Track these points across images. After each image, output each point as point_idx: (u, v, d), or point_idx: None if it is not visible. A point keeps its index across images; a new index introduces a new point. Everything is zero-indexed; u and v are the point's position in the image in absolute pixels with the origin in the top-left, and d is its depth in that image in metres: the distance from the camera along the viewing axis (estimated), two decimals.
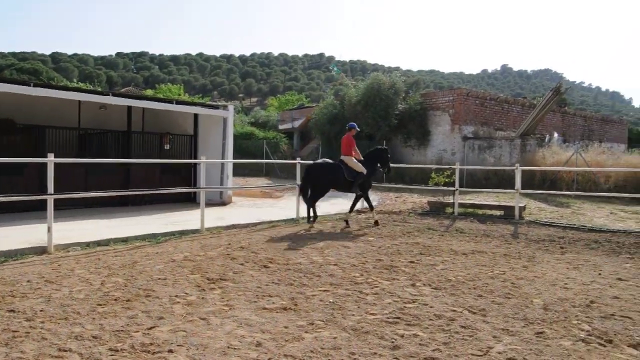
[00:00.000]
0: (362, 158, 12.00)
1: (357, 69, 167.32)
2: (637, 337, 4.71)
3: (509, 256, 8.51)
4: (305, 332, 4.65)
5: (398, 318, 5.08)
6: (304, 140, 35.39)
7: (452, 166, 14.36)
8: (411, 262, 7.82)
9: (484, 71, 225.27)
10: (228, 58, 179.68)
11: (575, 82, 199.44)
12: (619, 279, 7.05)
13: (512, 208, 13.03)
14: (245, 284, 6.30)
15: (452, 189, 13.89)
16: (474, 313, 5.31)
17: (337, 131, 27.47)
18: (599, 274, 7.33)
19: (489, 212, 13.74)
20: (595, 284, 6.71)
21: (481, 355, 4.18)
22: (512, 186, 13.30)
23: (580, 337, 4.66)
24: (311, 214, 11.88)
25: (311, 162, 12.77)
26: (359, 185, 11.82)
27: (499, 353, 4.24)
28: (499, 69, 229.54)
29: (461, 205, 14.06)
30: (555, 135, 25.59)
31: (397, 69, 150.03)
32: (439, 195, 16.45)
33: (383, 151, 12.40)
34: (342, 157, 11.77)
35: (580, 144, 25.54)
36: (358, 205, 15.05)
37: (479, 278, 6.85)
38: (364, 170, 11.66)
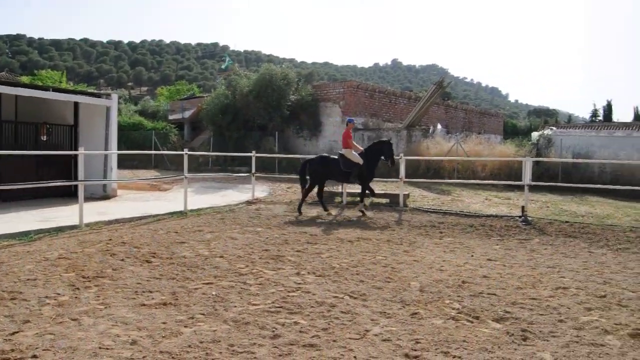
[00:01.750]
0: (361, 149, 12.76)
1: (251, 59, 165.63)
2: (500, 312, 5.07)
3: (392, 242, 8.84)
4: (185, 326, 4.52)
5: (280, 307, 5.09)
6: (195, 131, 34.55)
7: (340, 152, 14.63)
8: (298, 251, 7.89)
9: (376, 65, 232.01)
10: (116, 44, 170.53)
11: (459, 77, 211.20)
12: (489, 260, 7.58)
13: (397, 196, 13.57)
14: (125, 281, 6.02)
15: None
16: (355, 298, 5.45)
17: (229, 121, 27.10)
18: (472, 256, 7.83)
19: (375, 200, 14.18)
20: (468, 265, 7.16)
21: (358, 339, 4.30)
22: (398, 175, 13.83)
23: (451, 316, 4.94)
24: (325, 205, 12.70)
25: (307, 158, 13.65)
26: (358, 176, 12.41)
27: (375, 335, 4.38)
28: (389, 63, 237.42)
29: (350, 194, 14.41)
30: (439, 126, 26.98)
31: (292, 60, 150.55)
32: (330, 184, 16.73)
33: (386, 144, 12.73)
34: (341, 151, 12.64)
35: (461, 135, 27.08)
36: (247, 196, 14.96)
37: (362, 264, 7.05)
38: (360, 161, 12.25)
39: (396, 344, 4.19)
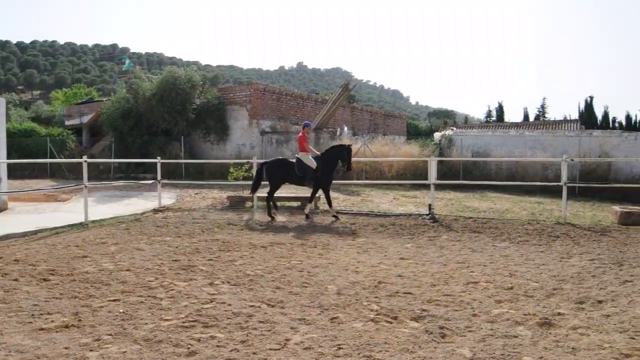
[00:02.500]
0: (318, 153, 12.56)
1: (153, 62, 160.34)
2: (417, 311, 5.12)
3: (306, 245, 8.77)
4: (90, 350, 4.15)
5: (195, 321, 4.83)
6: (95, 136, 32.79)
7: (250, 160, 14.42)
8: (210, 260, 7.59)
9: (282, 68, 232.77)
10: (3, 45, 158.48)
11: (362, 80, 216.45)
12: (402, 258, 7.70)
13: (307, 198, 13.52)
14: (19, 303, 5.46)
15: (251, 182, 13.94)
16: (272, 306, 5.30)
17: (131, 126, 25.96)
18: (385, 256, 7.92)
19: (287, 203, 14.11)
20: (382, 265, 7.22)
21: (279, 349, 4.15)
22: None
23: (370, 318, 4.92)
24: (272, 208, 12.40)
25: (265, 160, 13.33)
26: (313, 180, 12.17)
27: (296, 344, 4.25)
28: (295, 66, 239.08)
29: (260, 198, 14.18)
30: (345, 128, 27.38)
31: (196, 63, 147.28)
32: (240, 189, 16.44)
33: (344, 148, 12.61)
34: (298, 154, 12.41)
35: (367, 136, 27.65)
36: (154, 204, 14.35)
37: (277, 270, 6.90)
38: (314, 165, 12.06)
39: (318, 352, 4.09)
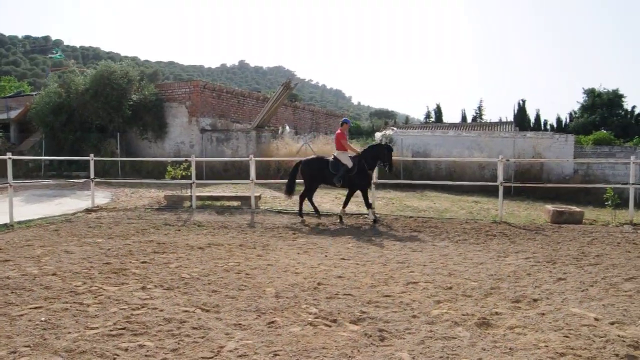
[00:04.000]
0: (358, 152, 11.86)
1: (89, 56, 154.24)
2: (357, 313, 5.02)
3: (245, 246, 8.54)
4: None
5: (123, 329, 4.54)
6: (24, 133, 31.12)
7: (189, 158, 14.01)
8: (143, 262, 7.25)
9: (223, 65, 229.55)
10: None
11: (305, 79, 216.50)
12: (343, 259, 7.60)
13: (248, 198, 13.29)
14: None
15: (189, 181, 13.56)
16: (207, 311, 5.07)
17: (63, 122, 24.81)
18: (326, 256, 7.81)
19: (227, 203, 13.81)
20: (323, 266, 7.10)
21: (211, 357, 3.95)
22: (249, 177, 13.54)
23: (309, 321, 4.78)
24: (309, 209, 12.03)
25: (302, 159, 12.52)
26: (346, 180, 11.54)
27: (230, 351, 4.06)
28: (237, 64, 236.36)
29: (199, 198, 13.83)
30: (287, 127, 27.18)
31: (135, 59, 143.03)
32: (178, 188, 15.98)
33: (384, 148, 11.97)
34: (335, 153, 11.76)
35: (309, 135, 27.55)
36: (87, 204, 13.72)
37: (214, 272, 6.66)
38: (349, 164, 11.42)
39: (253, 359, 3.91)
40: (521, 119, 53.51)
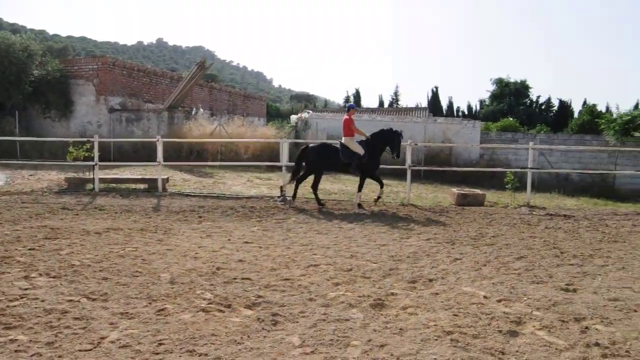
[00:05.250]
0: (368, 137, 11.38)
1: None
2: (253, 298, 4.92)
3: (146, 231, 8.20)
4: None
5: None
6: None
7: (92, 139, 13.29)
8: (31, 249, 6.75)
9: (140, 43, 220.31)
10: None
11: (225, 60, 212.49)
12: (246, 242, 7.47)
13: (155, 181, 12.81)
14: None
15: (92, 163, 12.87)
16: (94, 300, 4.78)
17: None
18: (229, 240, 7.64)
19: (132, 186, 13.25)
20: (224, 250, 6.94)
21: (90, 349, 3.71)
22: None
23: (202, 307, 4.62)
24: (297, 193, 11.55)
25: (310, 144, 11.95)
26: (359, 168, 11.16)
27: (112, 342, 3.83)
28: (154, 42, 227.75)
29: (103, 180, 13.18)
30: (201, 108, 26.50)
31: (43, 32, 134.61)
32: (81, 171, 15.15)
33: (394, 133, 11.42)
34: (343, 139, 11.26)
35: (225, 117, 27.06)
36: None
37: (108, 258, 6.32)
38: (361, 152, 11.05)
39: (136, 350, 3.71)
40: (435, 106, 55.42)
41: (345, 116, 11.55)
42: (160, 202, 11.29)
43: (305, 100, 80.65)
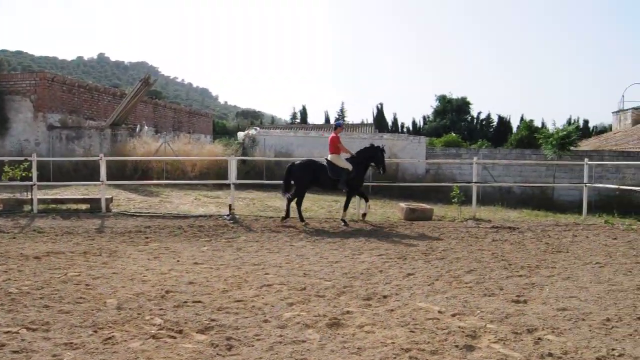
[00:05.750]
0: (353, 154, 11.62)
1: None
2: (205, 321, 4.75)
3: (89, 254, 7.85)
4: None
5: None
6: None
7: (29, 158, 12.70)
8: None
9: (80, 58, 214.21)
10: None
11: (170, 77, 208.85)
12: (196, 263, 7.27)
13: (98, 201, 12.35)
14: None
15: (30, 183, 12.30)
16: (34, 330, 4.50)
17: None
18: (178, 261, 7.41)
19: (74, 206, 12.72)
20: (173, 272, 6.72)
21: None
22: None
23: (152, 334, 4.43)
24: (295, 212, 11.61)
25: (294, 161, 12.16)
26: (346, 184, 11.34)
27: None
28: (95, 57, 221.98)
29: (42, 201, 12.60)
30: (145, 126, 25.88)
31: None
32: (19, 191, 14.44)
33: (377, 149, 11.72)
34: (329, 157, 11.40)
35: (170, 134, 26.58)
36: None
37: (48, 285, 5.99)
38: (349, 168, 11.29)
39: None
40: (380, 122, 56.36)
41: (332, 134, 11.73)
42: (104, 223, 10.87)
43: (252, 117, 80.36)
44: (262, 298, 5.58)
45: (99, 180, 12.55)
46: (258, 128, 27.43)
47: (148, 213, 12.21)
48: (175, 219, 11.60)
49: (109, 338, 4.31)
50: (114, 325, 4.64)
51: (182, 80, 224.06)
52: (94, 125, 23.26)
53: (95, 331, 4.48)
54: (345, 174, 11.29)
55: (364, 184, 12.46)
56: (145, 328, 4.58)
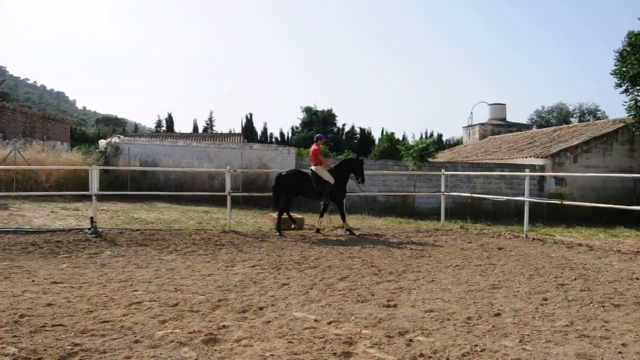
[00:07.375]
0: (332, 167, 12.27)
1: None
2: (68, 347, 4.35)
3: None
4: None
5: None
6: None
7: None
8: None
9: None
10: None
11: (20, 77, 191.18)
12: (54, 283, 6.67)
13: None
14: None
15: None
16: None
17: None
18: (33, 281, 6.74)
19: None
20: (28, 294, 6.09)
21: None
22: None
23: None
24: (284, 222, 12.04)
25: (281, 171, 12.36)
26: (329, 195, 11.93)
27: None
28: None
29: None
30: None
31: None
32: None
33: (357, 162, 12.43)
34: (313, 168, 11.90)
35: (21, 141, 24.30)
36: None
37: None
38: (332, 180, 11.81)
39: None
40: (249, 131, 56.37)
41: (314, 146, 12.31)
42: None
43: (114, 124, 76.25)
44: (132, 317, 5.25)
45: None
46: (122, 136, 26.04)
47: None
48: (28, 234, 10.57)
49: None
50: None
51: (35, 82, 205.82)
52: None
53: None
54: (329, 187, 11.91)
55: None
56: None
